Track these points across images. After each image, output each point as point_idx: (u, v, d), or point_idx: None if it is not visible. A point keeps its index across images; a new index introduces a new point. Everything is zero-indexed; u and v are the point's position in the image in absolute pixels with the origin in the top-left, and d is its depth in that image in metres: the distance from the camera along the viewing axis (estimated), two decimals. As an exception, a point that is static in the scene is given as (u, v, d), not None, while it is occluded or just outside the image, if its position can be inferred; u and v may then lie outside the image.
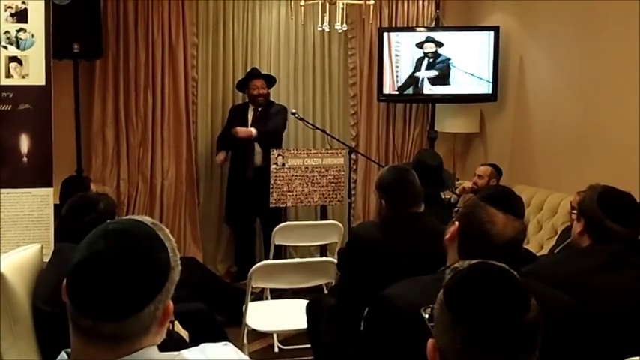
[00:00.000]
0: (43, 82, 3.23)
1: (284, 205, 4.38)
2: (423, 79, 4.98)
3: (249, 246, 4.96)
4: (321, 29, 4.44)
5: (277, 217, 4.47)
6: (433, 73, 4.96)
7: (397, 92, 5.06)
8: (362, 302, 1.75)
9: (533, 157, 4.70)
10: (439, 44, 4.95)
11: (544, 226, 4.14)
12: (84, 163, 4.69)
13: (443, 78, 4.97)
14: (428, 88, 5.01)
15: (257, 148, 4.72)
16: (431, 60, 4.95)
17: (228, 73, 5.13)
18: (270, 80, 4.87)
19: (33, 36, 3.21)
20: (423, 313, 1.13)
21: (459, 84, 4.98)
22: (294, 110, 4.69)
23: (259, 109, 4.78)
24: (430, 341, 1.08)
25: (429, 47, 4.96)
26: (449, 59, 4.94)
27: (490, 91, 4.94)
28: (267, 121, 4.72)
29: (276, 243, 3.92)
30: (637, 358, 1.64)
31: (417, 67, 5.00)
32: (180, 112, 4.97)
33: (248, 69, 5.12)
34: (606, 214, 1.94)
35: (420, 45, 4.97)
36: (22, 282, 2.25)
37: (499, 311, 1.02)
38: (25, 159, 3.20)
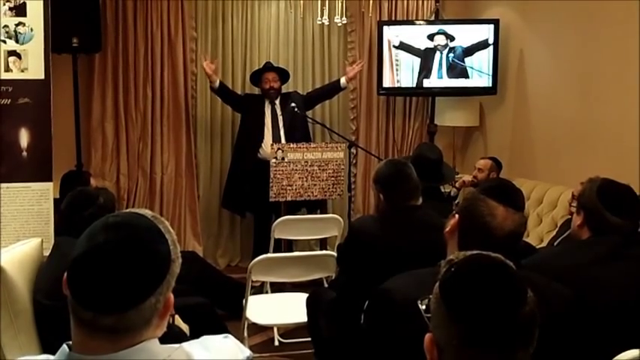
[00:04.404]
0: (42, 76, 3.23)
1: (283, 199, 4.37)
2: (439, 71, 4.97)
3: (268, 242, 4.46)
4: (320, 23, 4.43)
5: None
6: (449, 64, 4.96)
7: (415, 85, 5.02)
8: (361, 296, 1.76)
9: (533, 151, 4.70)
10: (450, 37, 4.94)
11: (544, 219, 4.14)
12: (83, 158, 4.69)
13: (459, 71, 4.96)
14: (428, 82, 5.01)
15: (267, 139, 4.68)
16: (443, 52, 4.94)
17: (228, 67, 5.12)
18: (283, 74, 4.82)
19: (32, 30, 3.20)
20: (420, 305, 1.13)
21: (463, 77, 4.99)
22: (294, 104, 4.68)
23: (276, 102, 4.74)
24: (427, 336, 1.08)
25: (440, 39, 4.95)
26: (463, 51, 4.93)
27: (490, 85, 4.94)
28: (293, 114, 4.66)
29: (276, 237, 3.93)
30: (637, 350, 1.65)
31: (427, 59, 4.97)
32: (179, 106, 4.96)
33: (247, 63, 5.13)
34: (606, 207, 1.95)
35: (431, 37, 4.96)
36: (23, 276, 2.25)
37: (495, 306, 1.01)
38: (24, 153, 3.20)
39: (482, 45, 4.90)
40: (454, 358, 1.04)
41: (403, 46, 4.98)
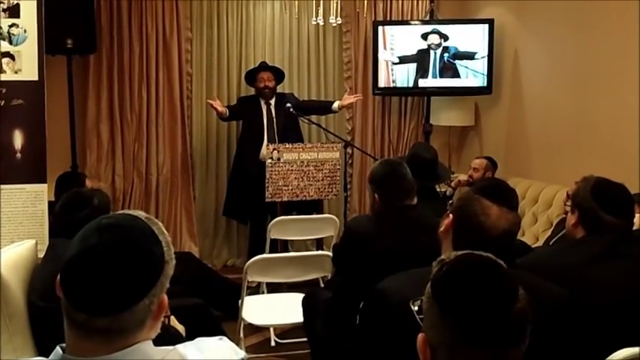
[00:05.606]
0: (35, 78, 3.22)
1: (279, 200, 4.37)
2: (434, 71, 4.97)
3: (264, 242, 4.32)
4: (315, 23, 4.43)
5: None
6: (443, 64, 4.96)
7: (412, 85, 5.02)
8: (357, 296, 1.76)
9: (529, 150, 4.70)
10: (444, 37, 4.94)
11: (539, 218, 4.15)
12: (78, 159, 4.67)
13: (452, 70, 4.97)
14: (424, 82, 5.01)
15: (265, 141, 4.67)
16: (437, 51, 4.94)
17: (223, 68, 5.12)
18: (278, 74, 4.81)
19: (25, 31, 3.19)
20: (412, 306, 1.14)
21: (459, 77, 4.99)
22: (289, 104, 4.68)
23: (271, 102, 4.73)
24: (420, 336, 1.08)
25: (434, 39, 4.95)
26: (457, 51, 4.93)
27: (485, 84, 4.94)
28: (287, 115, 4.65)
29: (272, 237, 3.92)
30: (632, 349, 1.65)
31: (422, 59, 4.98)
32: (174, 107, 4.95)
33: (243, 63, 5.12)
34: (600, 206, 1.95)
35: (424, 36, 4.96)
36: (17, 278, 2.25)
37: (486, 304, 1.02)
38: (18, 155, 3.19)
39: (471, 55, 4.91)
40: (447, 357, 1.04)
41: (403, 59, 4.98)
